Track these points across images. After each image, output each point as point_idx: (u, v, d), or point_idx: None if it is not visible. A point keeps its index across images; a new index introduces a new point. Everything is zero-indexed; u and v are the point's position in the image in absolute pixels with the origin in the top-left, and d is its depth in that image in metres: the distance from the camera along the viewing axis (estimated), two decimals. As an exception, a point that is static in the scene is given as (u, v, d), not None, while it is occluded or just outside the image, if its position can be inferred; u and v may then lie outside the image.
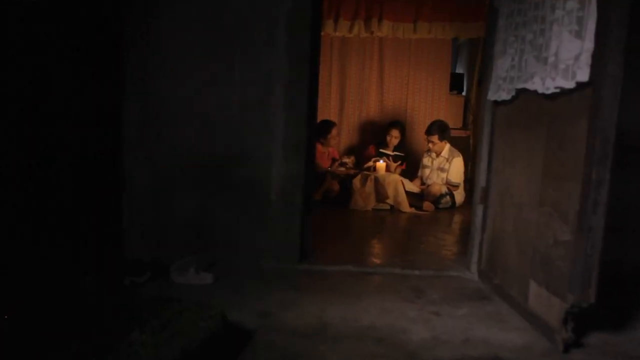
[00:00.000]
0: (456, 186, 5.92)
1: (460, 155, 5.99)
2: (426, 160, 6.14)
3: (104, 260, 3.06)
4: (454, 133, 6.45)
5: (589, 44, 2.12)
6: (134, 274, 2.89)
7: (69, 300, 2.33)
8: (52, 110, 2.73)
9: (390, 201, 5.66)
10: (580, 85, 2.19)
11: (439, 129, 5.91)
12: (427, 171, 6.09)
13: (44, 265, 2.63)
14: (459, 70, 7.79)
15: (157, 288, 2.83)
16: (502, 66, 2.88)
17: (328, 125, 6.16)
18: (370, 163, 6.08)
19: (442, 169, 5.96)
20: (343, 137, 7.09)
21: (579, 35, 2.17)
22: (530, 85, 2.54)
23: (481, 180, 3.28)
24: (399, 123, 6.43)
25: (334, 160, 6.28)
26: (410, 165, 6.37)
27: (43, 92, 2.65)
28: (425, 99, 7.10)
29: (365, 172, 5.83)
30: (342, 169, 6.18)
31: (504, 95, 2.86)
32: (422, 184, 6.08)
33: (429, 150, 6.11)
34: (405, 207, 5.62)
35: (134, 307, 2.24)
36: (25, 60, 2.52)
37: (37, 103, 2.61)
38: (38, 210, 2.65)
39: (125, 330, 2.00)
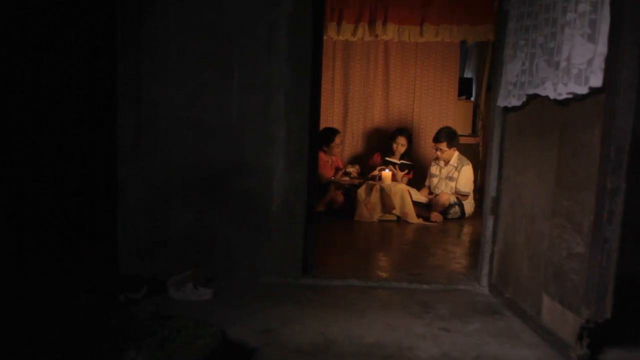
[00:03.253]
0: (465, 196, 5.81)
1: (470, 164, 5.89)
2: (434, 169, 6.05)
3: (98, 275, 3.00)
4: (462, 140, 6.36)
5: (602, 48, 2.08)
6: (130, 290, 2.83)
7: (62, 319, 2.28)
8: (44, 122, 2.69)
9: (396, 212, 5.58)
10: (593, 91, 2.15)
11: (447, 136, 5.81)
12: (435, 180, 6.00)
13: (36, 282, 2.59)
14: (468, 74, 7.70)
15: (154, 304, 2.75)
16: (512, 71, 2.83)
17: (331, 132, 6.07)
18: (376, 172, 5.99)
19: (450, 178, 5.86)
20: (347, 145, 7.02)
21: (591, 38, 2.13)
22: (541, 91, 2.49)
23: (491, 189, 3.21)
24: (405, 130, 6.32)
25: (337, 169, 6.21)
26: (418, 174, 6.28)
27: (33, 100, 2.60)
28: (433, 105, 6.99)
29: (371, 182, 5.74)
30: (346, 178, 6.11)
31: (514, 101, 2.81)
32: (430, 193, 6.00)
33: (437, 158, 6.02)
34: (413, 218, 5.54)
35: (129, 325, 2.19)
36: (16, 67, 2.47)
37: (29, 113, 2.57)
38: (28, 223, 2.60)
39: (121, 349, 1.96)
